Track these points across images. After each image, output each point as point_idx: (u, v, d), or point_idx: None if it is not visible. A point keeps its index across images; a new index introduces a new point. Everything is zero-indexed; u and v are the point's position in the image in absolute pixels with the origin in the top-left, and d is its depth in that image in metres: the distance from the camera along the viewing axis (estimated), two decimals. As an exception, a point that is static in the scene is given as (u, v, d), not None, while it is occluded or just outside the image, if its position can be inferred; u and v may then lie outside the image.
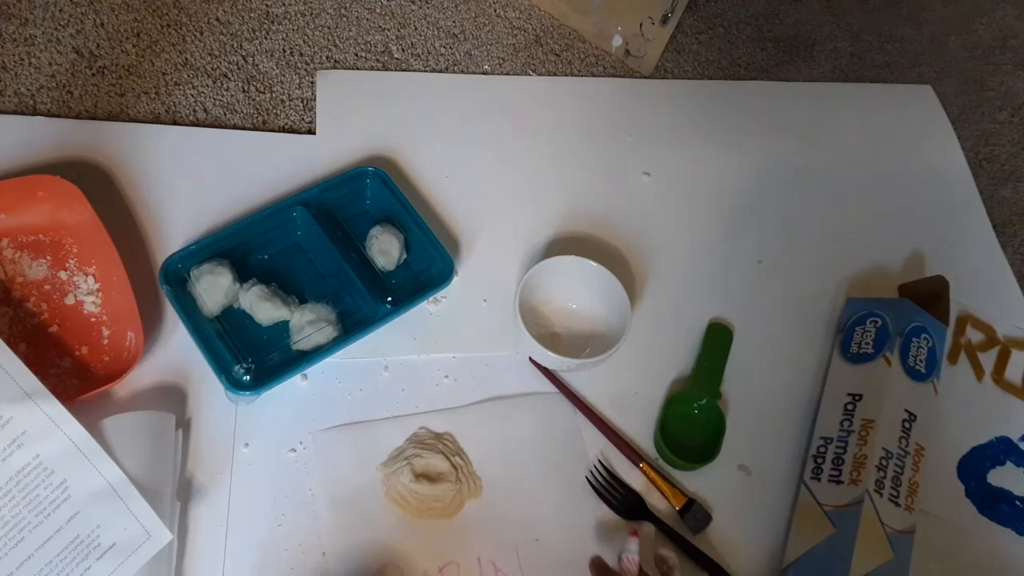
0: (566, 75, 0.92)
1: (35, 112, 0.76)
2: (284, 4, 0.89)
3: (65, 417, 0.55)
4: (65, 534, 0.53)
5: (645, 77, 0.93)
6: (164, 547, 0.55)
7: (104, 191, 0.72)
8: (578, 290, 0.72)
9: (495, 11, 0.95)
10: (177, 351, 0.66)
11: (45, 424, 0.54)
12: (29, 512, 0.53)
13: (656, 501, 0.66)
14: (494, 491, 0.64)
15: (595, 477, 0.66)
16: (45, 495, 0.53)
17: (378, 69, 0.87)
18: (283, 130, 0.81)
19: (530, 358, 0.71)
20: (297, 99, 0.83)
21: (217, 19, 0.86)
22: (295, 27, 0.88)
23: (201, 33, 0.85)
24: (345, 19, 0.90)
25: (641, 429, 0.70)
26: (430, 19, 0.92)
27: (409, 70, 0.88)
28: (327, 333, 0.66)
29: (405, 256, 0.72)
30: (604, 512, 0.65)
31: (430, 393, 0.68)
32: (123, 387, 0.63)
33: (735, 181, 0.87)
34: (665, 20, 0.92)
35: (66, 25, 0.82)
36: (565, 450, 0.67)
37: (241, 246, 0.69)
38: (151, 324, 0.66)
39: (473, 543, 0.62)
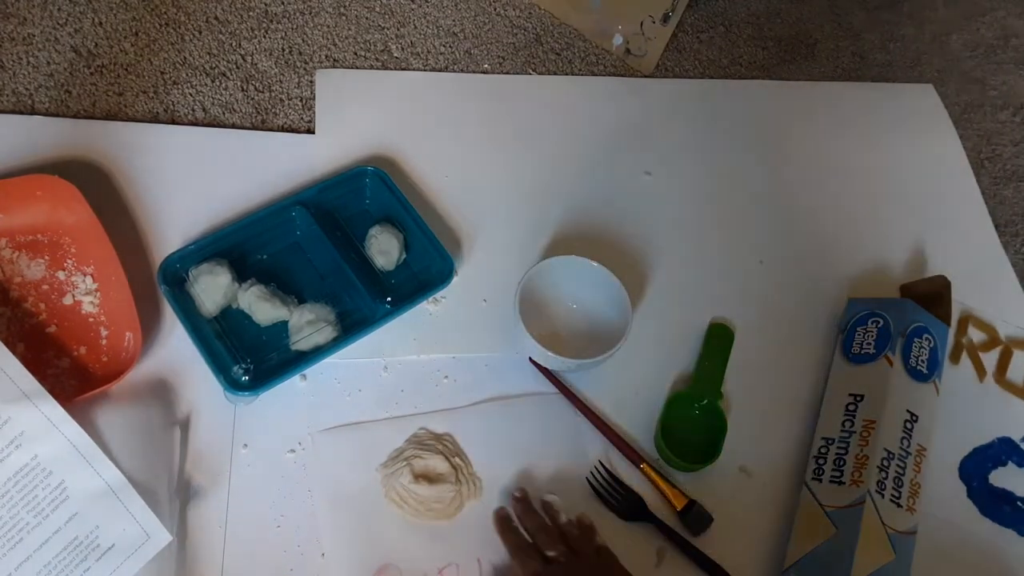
0: (566, 74, 0.92)
1: (33, 111, 0.76)
2: (283, 3, 0.89)
3: (63, 418, 0.54)
4: (64, 535, 0.53)
5: (646, 76, 0.93)
6: (164, 548, 0.55)
7: (102, 191, 0.72)
8: (578, 290, 0.72)
9: (495, 10, 0.94)
10: (175, 351, 0.65)
11: (43, 425, 0.54)
12: (28, 513, 0.53)
13: (657, 502, 0.66)
14: (495, 492, 0.64)
15: (596, 478, 0.66)
16: (44, 496, 0.53)
17: (377, 68, 0.87)
18: (282, 129, 0.80)
19: (530, 358, 0.70)
20: (296, 98, 0.83)
21: (216, 18, 0.86)
22: (294, 26, 0.87)
23: (200, 32, 0.85)
24: (344, 18, 0.89)
25: (642, 430, 0.69)
26: (430, 18, 0.92)
27: (409, 69, 0.88)
28: (326, 333, 0.65)
29: (404, 256, 0.72)
30: (605, 513, 0.65)
31: (430, 393, 0.68)
32: (121, 388, 0.63)
33: (736, 180, 0.87)
34: (666, 19, 0.92)
35: (64, 24, 0.82)
36: (565, 450, 0.67)
37: (240, 246, 0.69)
38: (149, 324, 0.66)
39: (473, 544, 0.62)
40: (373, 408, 0.66)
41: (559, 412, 0.69)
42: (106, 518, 0.54)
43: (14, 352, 0.62)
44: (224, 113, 0.80)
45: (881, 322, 0.73)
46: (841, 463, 0.66)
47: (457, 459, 0.64)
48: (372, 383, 0.67)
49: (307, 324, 0.65)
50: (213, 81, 0.82)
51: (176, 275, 0.66)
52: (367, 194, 0.75)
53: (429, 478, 0.63)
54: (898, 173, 0.91)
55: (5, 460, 0.53)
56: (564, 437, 0.68)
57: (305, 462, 0.63)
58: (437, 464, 0.63)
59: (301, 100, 0.83)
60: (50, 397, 0.55)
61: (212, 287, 0.65)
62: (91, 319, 0.65)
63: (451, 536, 0.62)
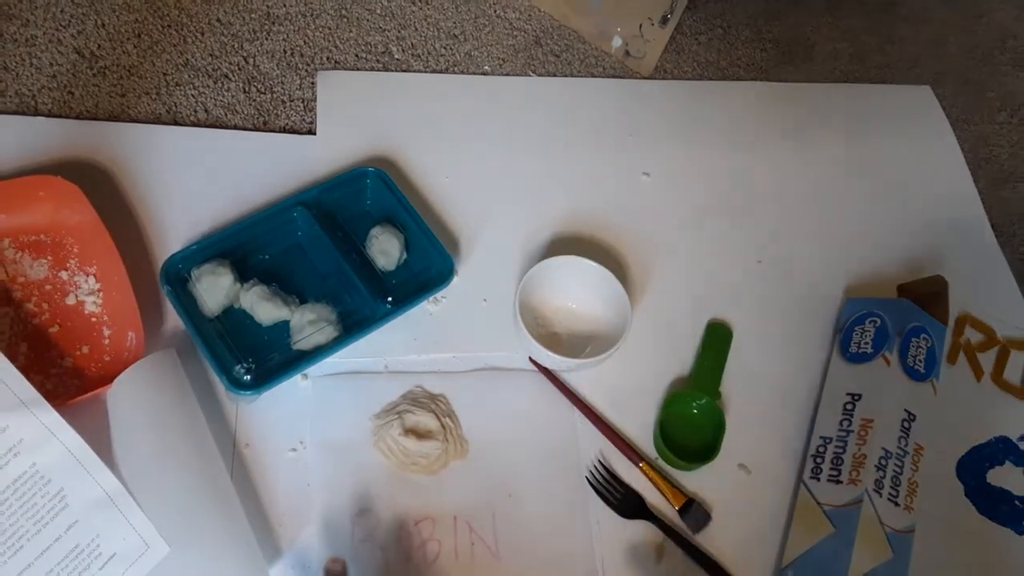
0: (566, 76, 0.92)
1: (36, 112, 0.76)
2: (285, 5, 0.89)
3: (61, 426, 0.54)
4: (65, 543, 0.53)
5: (645, 78, 0.94)
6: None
7: (105, 191, 0.73)
8: (578, 290, 0.73)
9: (495, 12, 0.95)
10: (178, 351, 0.66)
11: (41, 433, 0.54)
12: (27, 521, 0.52)
13: (656, 501, 0.66)
14: (480, 456, 0.66)
15: (595, 477, 0.66)
16: (43, 504, 0.53)
17: (378, 70, 0.87)
18: (284, 131, 0.81)
19: (530, 358, 0.71)
20: (298, 100, 0.83)
21: (218, 20, 0.86)
22: (296, 28, 0.88)
23: (202, 34, 0.85)
24: (345, 20, 0.90)
25: (641, 429, 0.70)
26: (430, 20, 0.92)
27: (409, 71, 0.88)
28: (327, 333, 0.66)
29: (405, 256, 0.73)
30: (604, 511, 0.65)
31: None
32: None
33: (735, 181, 0.87)
34: (664, 21, 0.92)
35: (67, 26, 0.82)
36: (554, 430, 0.68)
37: (242, 246, 0.70)
38: (152, 324, 0.66)
39: (452, 502, 0.63)
40: (372, 403, 0.67)
41: (555, 405, 0.69)
42: (106, 527, 0.54)
43: (17, 352, 0.63)
44: (226, 114, 0.81)
45: (879, 322, 0.73)
46: (839, 462, 0.66)
47: (448, 419, 0.66)
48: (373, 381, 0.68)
49: (308, 324, 0.66)
50: (215, 83, 0.82)
51: (178, 275, 0.66)
52: (368, 195, 0.76)
53: (418, 433, 0.64)
54: (896, 174, 0.92)
55: (4, 468, 0.53)
56: (554, 417, 0.69)
57: (306, 461, 0.63)
58: (428, 421, 0.65)
59: (303, 101, 0.83)
60: (48, 405, 0.55)
61: (214, 287, 0.66)
62: (94, 319, 0.66)
63: (432, 492, 0.63)
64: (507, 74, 0.90)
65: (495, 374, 0.70)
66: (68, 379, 0.63)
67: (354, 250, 0.70)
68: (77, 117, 0.77)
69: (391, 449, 0.64)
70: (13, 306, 0.65)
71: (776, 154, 0.90)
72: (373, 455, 0.64)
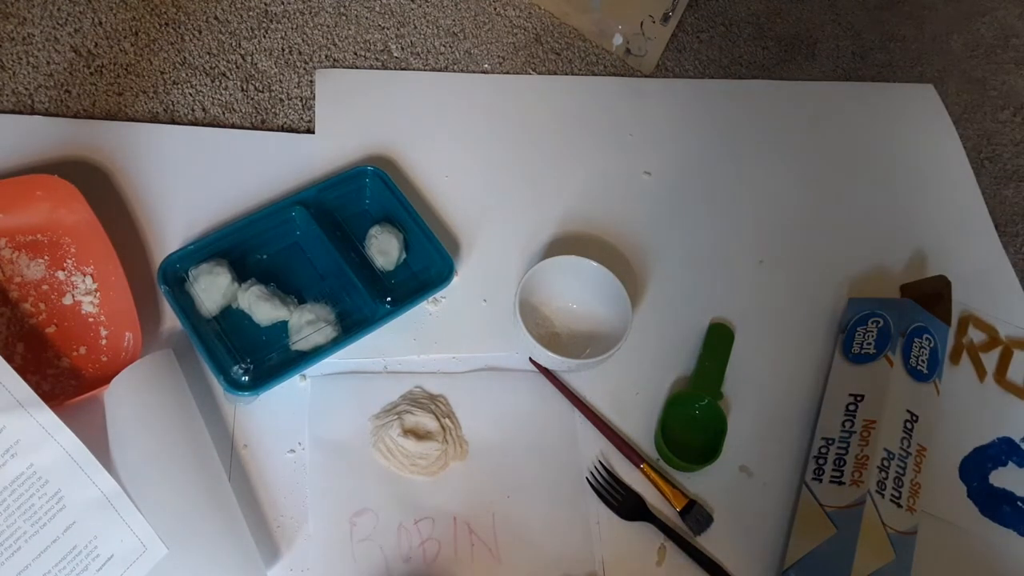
0: (566, 74, 0.91)
1: (33, 111, 0.76)
2: (283, 2, 0.89)
3: (58, 426, 0.54)
4: (62, 544, 0.53)
5: (646, 76, 0.93)
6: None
7: (102, 191, 0.72)
8: (578, 290, 0.72)
9: (495, 9, 0.94)
10: (175, 352, 0.65)
11: (39, 434, 0.54)
12: (25, 522, 0.52)
13: (657, 502, 0.66)
14: (479, 457, 0.65)
15: (595, 478, 0.66)
16: (40, 505, 0.53)
17: (377, 68, 0.87)
18: (282, 129, 0.80)
19: (530, 358, 0.70)
20: (296, 98, 0.83)
21: (216, 17, 0.86)
22: (294, 26, 0.87)
23: (199, 32, 0.85)
24: (344, 18, 0.89)
25: (642, 430, 0.69)
26: (430, 17, 0.92)
27: (409, 69, 0.88)
28: (326, 333, 0.65)
29: (404, 256, 0.72)
30: (605, 513, 0.65)
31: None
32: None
33: (736, 180, 0.87)
34: (666, 19, 0.92)
35: (64, 24, 0.82)
36: (554, 431, 0.68)
37: (240, 246, 0.69)
38: (149, 324, 0.66)
39: (451, 503, 0.63)
40: (372, 403, 0.66)
41: (551, 396, 0.69)
42: (104, 528, 0.54)
43: (14, 352, 0.62)
44: (224, 113, 0.80)
45: (881, 322, 0.73)
46: (841, 463, 0.66)
47: (447, 420, 0.66)
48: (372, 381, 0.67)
49: (307, 324, 0.65)
50: (213, 81, 0.82)
51: (176, 275, 0.66)
52: (367, 194, 0.75)
53: (417, 434, 0.64)
54: (898, 173, 0.91)
55: (1, 469, 0.53)
56: (554, 418, 0.68)
57: (305, 462, 0.63)
58: (427, 422, 0.65)
59: (301, 100, 0.83)
60: (44, 405, 0.54)
61: (212, 287, 0.65)
62: (91, 319, 0.65)
63: (432, 493, 0.63)
64: (507, 72, 0.90)
65: (495, 374, 0.69)
66: (65, 380, 0.63)
67: (353, 250, 0.70)
68: (74, 116, 0.76)
69: (390, 450, 0.63)
70: (10, 306, 0.64)
71: (778, 153, 0.90)
72: (372, 456, 0.64)
